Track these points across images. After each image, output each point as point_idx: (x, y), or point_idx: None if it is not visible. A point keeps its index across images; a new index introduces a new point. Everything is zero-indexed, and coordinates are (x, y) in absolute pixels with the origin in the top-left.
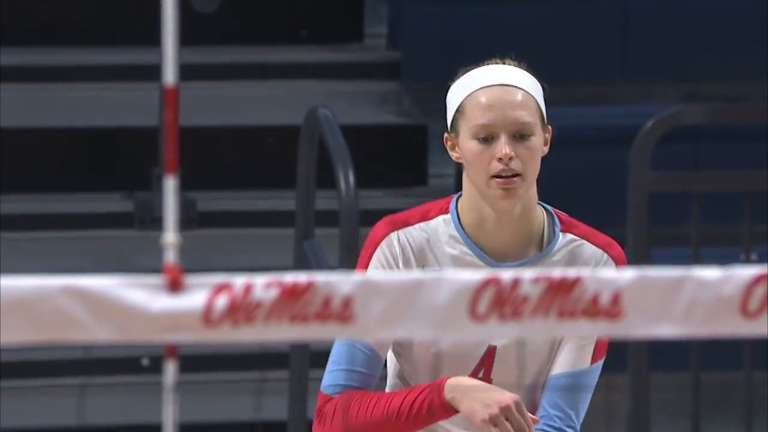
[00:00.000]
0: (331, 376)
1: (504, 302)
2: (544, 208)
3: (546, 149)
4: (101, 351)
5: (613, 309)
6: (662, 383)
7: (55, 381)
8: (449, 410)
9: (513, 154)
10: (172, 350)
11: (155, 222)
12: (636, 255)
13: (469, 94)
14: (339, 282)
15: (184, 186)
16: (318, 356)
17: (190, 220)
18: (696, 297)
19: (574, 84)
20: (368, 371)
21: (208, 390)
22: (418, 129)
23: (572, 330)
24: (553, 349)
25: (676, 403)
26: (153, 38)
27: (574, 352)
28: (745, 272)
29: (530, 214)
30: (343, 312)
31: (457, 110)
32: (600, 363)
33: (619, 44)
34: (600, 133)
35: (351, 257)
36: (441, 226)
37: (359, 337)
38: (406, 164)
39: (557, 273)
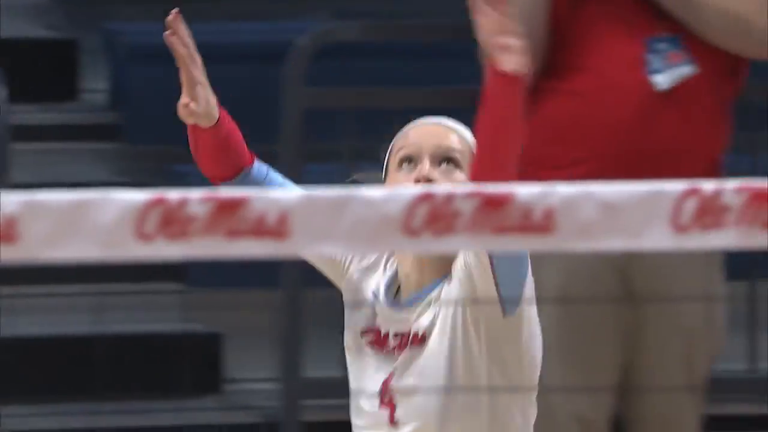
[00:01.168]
0: None
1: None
2: None
3: None
4: None
5: (280, 228)
6: None
7: None
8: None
9: (434, 176)
10: None
11: None
12: (289, 171)
13: (400, 136)
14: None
15: None
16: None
17: None
18: (360, 216)
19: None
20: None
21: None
22: (70, 43)
23: (242, 250)
24: (452, 357)
25: None
26: None
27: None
28: (409, 192)
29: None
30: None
31: (388, 154)
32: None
33: None
34: (252, 49)
35: (2, 172)
36: None
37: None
38: (57, 79)
39: (172, 192)
